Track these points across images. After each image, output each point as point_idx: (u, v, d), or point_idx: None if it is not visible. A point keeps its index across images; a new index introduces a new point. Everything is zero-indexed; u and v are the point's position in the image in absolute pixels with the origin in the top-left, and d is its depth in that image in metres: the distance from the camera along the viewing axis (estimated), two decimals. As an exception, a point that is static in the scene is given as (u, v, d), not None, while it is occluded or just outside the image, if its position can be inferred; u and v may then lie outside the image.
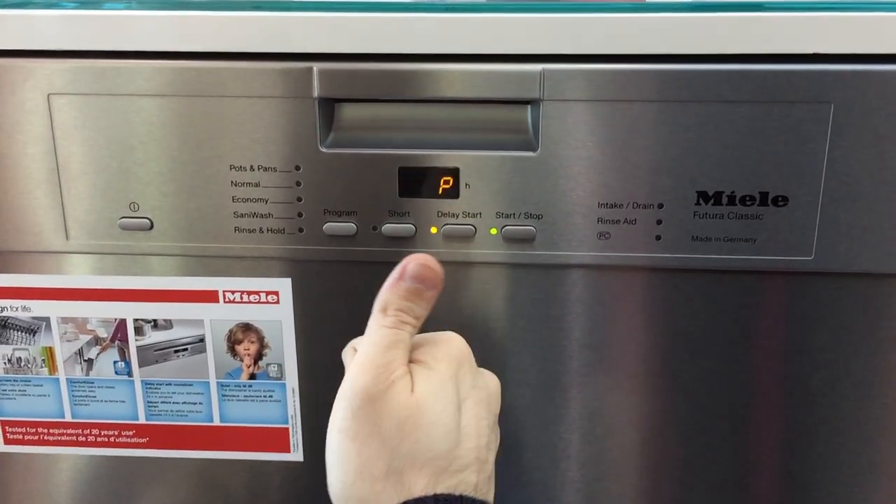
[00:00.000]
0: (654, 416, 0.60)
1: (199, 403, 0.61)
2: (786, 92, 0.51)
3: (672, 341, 0.57)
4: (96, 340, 0.60)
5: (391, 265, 0.53)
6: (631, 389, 0.59)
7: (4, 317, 0.60)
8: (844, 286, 0.55)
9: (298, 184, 0.55)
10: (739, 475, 0.61)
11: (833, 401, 0.58)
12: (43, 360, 0.61)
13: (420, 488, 0.42)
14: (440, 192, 0.54)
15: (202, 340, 0.59)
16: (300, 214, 0.55)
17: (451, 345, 0.46)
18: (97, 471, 0.64)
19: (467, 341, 0.47)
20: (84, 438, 0.62)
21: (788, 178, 0.53)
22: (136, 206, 0.56)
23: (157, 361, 0.60)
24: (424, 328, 0.47)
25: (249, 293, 0.58)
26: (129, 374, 0.60)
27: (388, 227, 0.55)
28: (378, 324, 0.45)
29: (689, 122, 0.52)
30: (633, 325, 0.57)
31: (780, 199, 0.53)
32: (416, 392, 0.43)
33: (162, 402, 0.61)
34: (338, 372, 0.48)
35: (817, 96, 0.51)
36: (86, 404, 0.61)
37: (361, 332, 0.49)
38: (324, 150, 0.54)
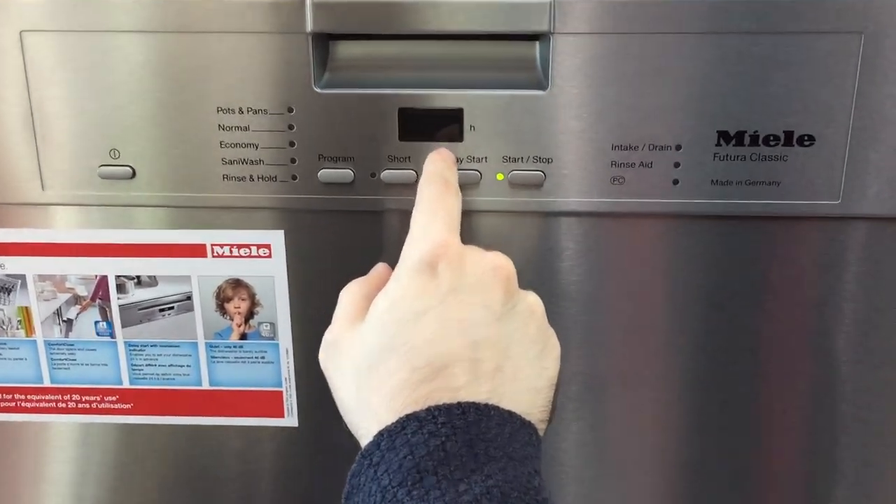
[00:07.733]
0: (670, 371, 0.57)
1: (187, 366, 0.58)
2: (812, 22, 0.48)
3: (690, 292, 0.55)
4: (76, 299, 0.57)
5: (391, 214, 0.51)
6: (645, 343, 0.56)
7: (-23, 275, 0.56)
8: (873, 232, 0.53)
9: (291, 127, 0.51)
10: (760, 430, 0.58)
11: (859, 356, 0.55)
12: (18, 320, 0.57)
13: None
14: (443, 134, 0.51)
15: (189, 298, 0.56)
16: (293, 160, 0.52)
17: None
18: (79, 439, 0.61)
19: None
20: (64, 405, 0.59)
21: (815, 116, 0.50)
22: (116, 153, 0.53)
23: (141, 321, 0.57)
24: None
25: (239, 246, 0.55)
26: (112, 335, 0.57)
27: (388, 174, 0.52)
28: None
29: (708, 56, 0.49)
30: (648, 275, 0.55)
31: (805, 138, 0.50)
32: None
33: (147, 365, 0.58)
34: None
35: (846, 26, 0.48)
36: (65, 368, 0.58)
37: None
38: (318, 90, 0.51)
